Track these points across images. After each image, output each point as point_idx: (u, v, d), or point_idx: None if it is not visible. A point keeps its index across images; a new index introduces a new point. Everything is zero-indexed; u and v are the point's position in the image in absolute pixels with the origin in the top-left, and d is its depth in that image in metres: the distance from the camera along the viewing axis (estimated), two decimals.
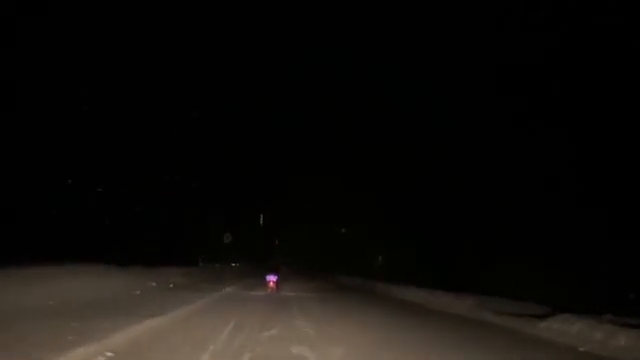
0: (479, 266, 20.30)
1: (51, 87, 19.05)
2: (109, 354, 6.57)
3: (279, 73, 43.21)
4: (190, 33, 26.96)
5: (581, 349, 9.03)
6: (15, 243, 15.73)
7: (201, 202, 32.65)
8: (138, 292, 14.40)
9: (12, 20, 17.40)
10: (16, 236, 16.44)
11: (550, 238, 17.22)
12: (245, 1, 33.00)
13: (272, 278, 17.85)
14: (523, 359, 8.40)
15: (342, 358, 7.28)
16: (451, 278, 20.48)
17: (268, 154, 44.25)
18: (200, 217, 32.84)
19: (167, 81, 25.55)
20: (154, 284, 16.07)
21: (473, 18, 22.31)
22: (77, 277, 12.44)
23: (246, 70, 36.06)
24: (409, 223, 28.60)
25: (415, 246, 27.50)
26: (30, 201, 18.60)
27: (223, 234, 31.04)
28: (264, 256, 35.99)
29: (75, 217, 20.68)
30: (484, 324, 12.26)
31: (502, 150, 20.81)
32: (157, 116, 25.33)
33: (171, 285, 16.88)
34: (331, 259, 46.50)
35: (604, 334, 9.33)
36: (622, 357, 8.33)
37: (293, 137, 44.08)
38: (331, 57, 37.26)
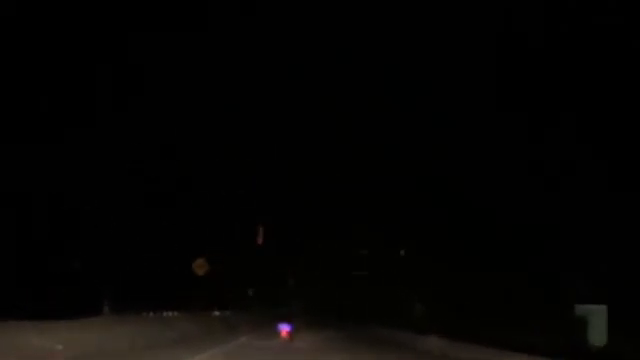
0: None
1: None
2: None
3: (279, 73, 42.94)
4: (190, 34, 26.96)
5: None
6: None
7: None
8: None
9: None
10: None
11: None
12: (244, 1, 32.94)
13: (285, 328, 17.41)
14: None
15: None
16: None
17: (267, 158, 38.60)
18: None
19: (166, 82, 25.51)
20: None
21: (473, 18, 22.25)
22: None
23: (245, 70, 35.96)
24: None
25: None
26: None
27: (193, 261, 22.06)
28: (270, 297, 29.87)
29: None
30: None
31: None
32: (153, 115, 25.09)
33: None
34: (356, 305, 38.60)
35: None
36: None
37: (293, 140, 42.68)
38: (331, 57, 37.16)
